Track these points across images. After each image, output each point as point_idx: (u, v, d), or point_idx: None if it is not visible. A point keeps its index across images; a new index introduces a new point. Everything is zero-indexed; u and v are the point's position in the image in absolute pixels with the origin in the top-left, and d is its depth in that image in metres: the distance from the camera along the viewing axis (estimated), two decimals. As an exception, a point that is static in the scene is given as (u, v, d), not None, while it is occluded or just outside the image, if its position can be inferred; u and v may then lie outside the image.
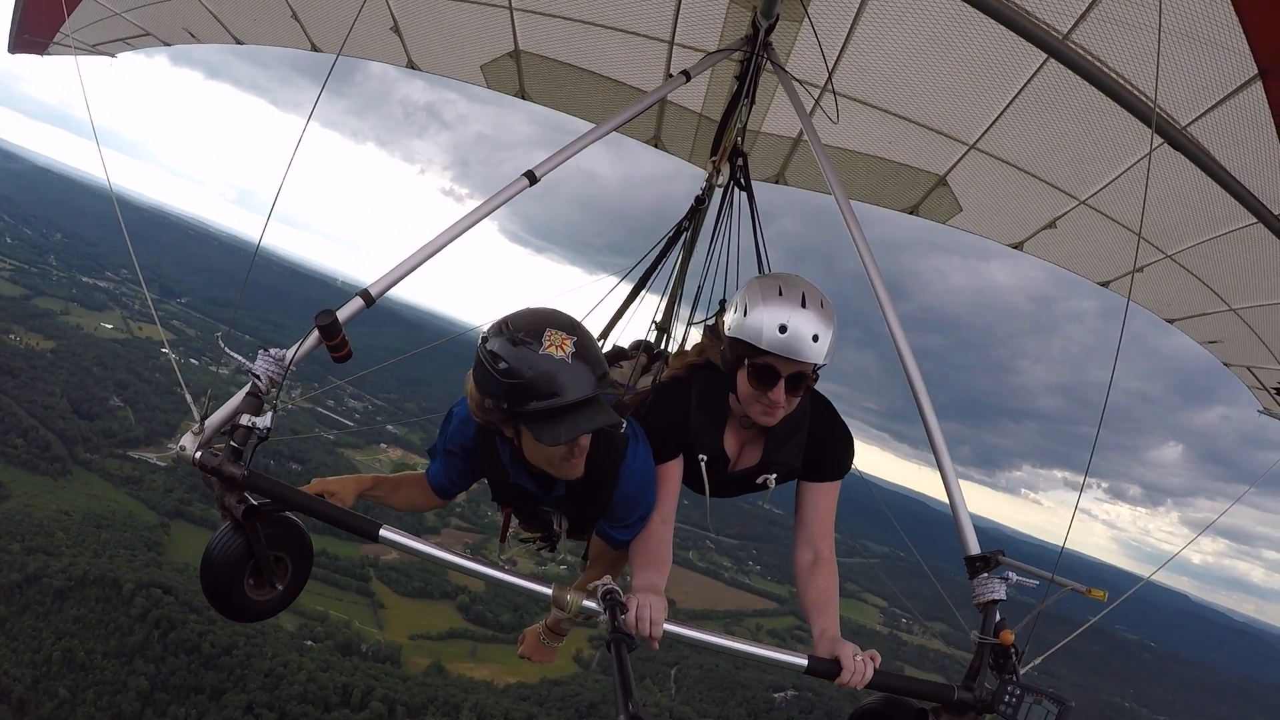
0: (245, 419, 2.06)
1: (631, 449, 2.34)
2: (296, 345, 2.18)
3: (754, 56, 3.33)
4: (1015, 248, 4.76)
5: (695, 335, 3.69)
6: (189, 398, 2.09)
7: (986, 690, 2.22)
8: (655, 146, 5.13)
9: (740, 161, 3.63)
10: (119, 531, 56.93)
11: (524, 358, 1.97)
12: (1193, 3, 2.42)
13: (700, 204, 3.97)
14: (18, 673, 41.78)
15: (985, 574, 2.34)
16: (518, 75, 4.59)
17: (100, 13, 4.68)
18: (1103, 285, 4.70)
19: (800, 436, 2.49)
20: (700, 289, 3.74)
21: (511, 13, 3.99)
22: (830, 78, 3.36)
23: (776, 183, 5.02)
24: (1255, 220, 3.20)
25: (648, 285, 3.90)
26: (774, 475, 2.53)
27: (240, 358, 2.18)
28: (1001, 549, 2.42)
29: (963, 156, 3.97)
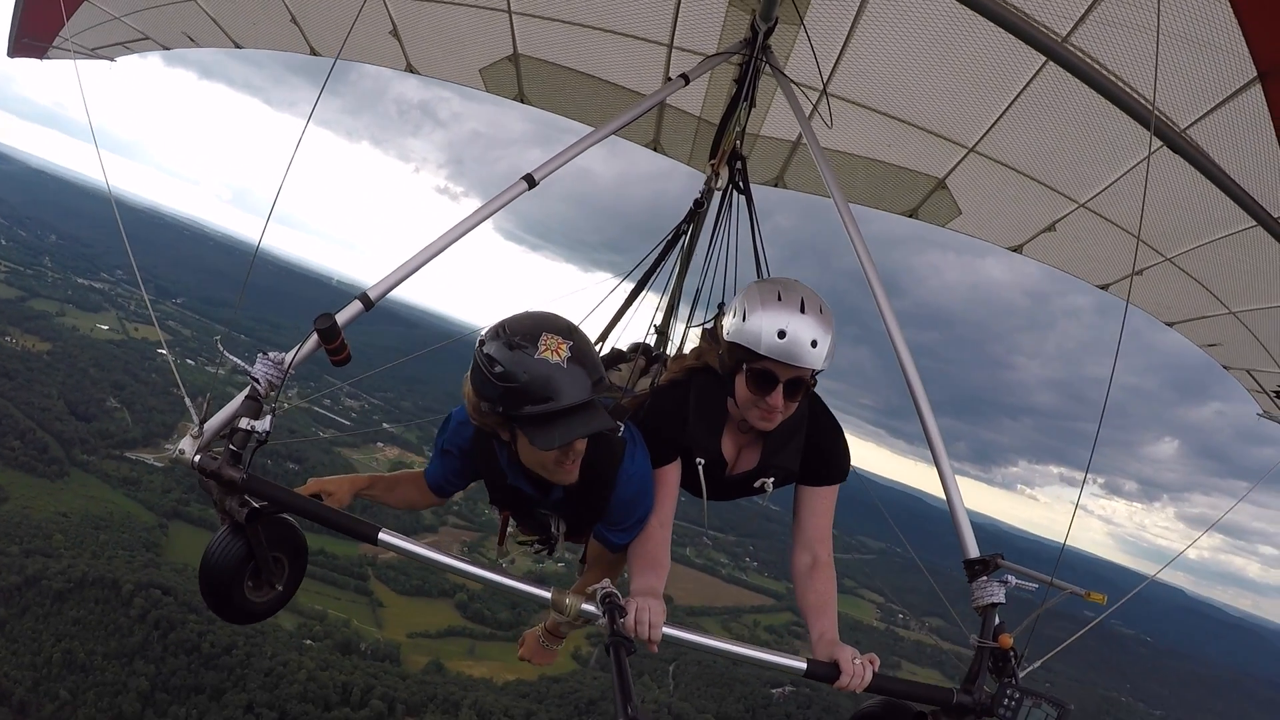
0: (244, 422, 2.06)
1: (629, 452, 2.35)
2: (295, 349, 2.18)
3: (753, 60, 3.33)
4: (1015, 250, 4.76)
5: (694, 338, 3.71)
6: (189, 402, 2.09)
7: (986, 693, 2.22)
8: (654, 150, 5.12)
9: (739, 165, 3.63)
10: (117, 533, 56.85)
11: (519, 362, 1.98)
12: (1191, 5, 2.42)
13: (699, 207, 3.97)
14: (18, 675, 41.70)
15: (984, 577, 2.35)
16: (517, 79, 4.59)
17: (99, 17, 4.66)
18: (1102, 288, 4.70)
19: (798, 441, 2.50)
20: (698, 292, 3.75)
21: (510, 16, 3.98)
22: (828, 81, 3.36)
23: (775, 186, 5.02)
24: (1254, 223, 3.20)
25: (646, 288, 3.90)
26: (771, 479, 2.53)
27: (240, 362, 2.17)
28: (1000, 552, 2.43)
29: (962, 159, 3.97)
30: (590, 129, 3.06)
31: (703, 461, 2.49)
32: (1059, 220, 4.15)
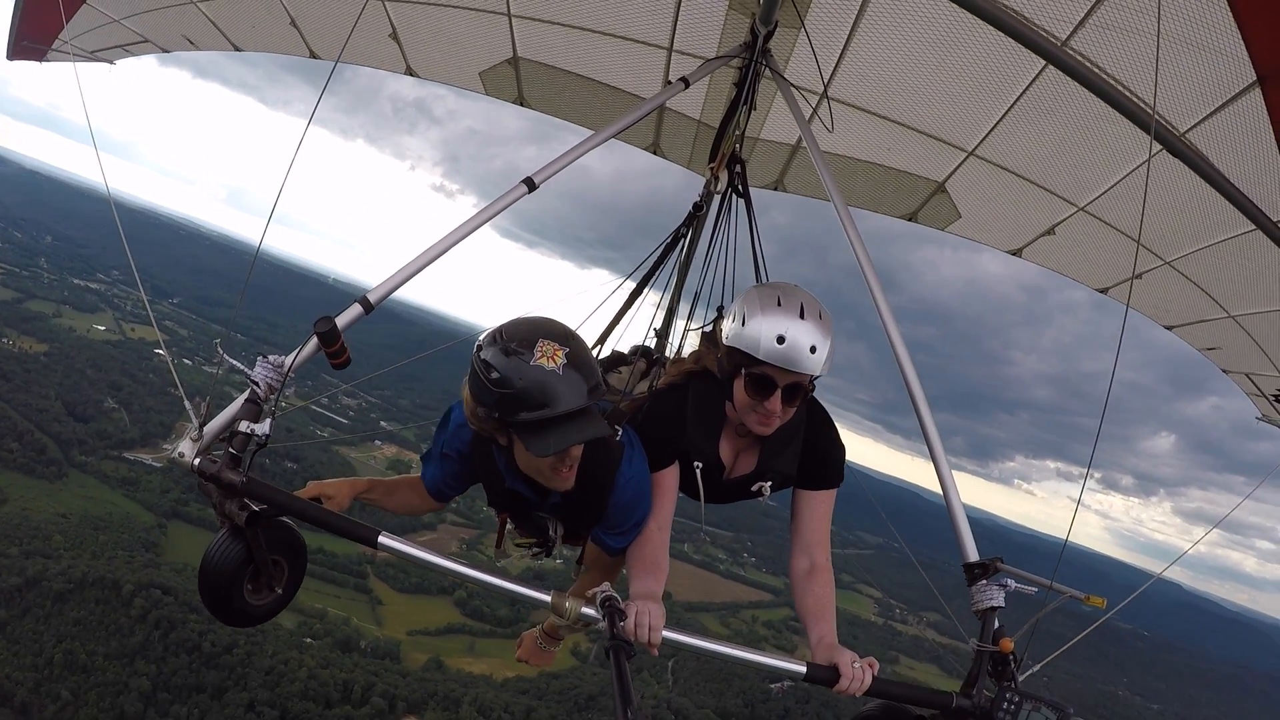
0: (244, 425, 2.05)
1: (627, 456, 2.35)
2: (295, 352, 2.18)
3: (753, 63, 3.32)
4: (1014, 254, 4.75)
5: (693, 341, 3.71)
6: (188, 404, 2.07)
7: (985, 697, 2.22)
8: (654, 153, 5.11)
9: (738, 168, 3.62)
10: (117, 533, 56.81)
11: (515, 368, 1.98)
12: (1191, 9, 2.42)
13: (698, 210, 3.97)
14: (20, 676, 41.69)
15: (984, 581, 2.35)
16: (516, 82, 4.57)
17: (99, 19, 4.64)
18: (1101, 292, 4.68)
19: (795, 445, 2.50)
20: (697, 295, 3.75)
21: (510, 20, 3.97)
22: (828, 85, 3.35)
23: (775, 189, 5.01)
24: (1254, 227, 3.20)
25: (646, 290, 3.90)
26: (769, 483, 2.54)
27: (240, 364, 2.16)
28: (1000, 556, 2.44)
29: (961, 163, 3.97)
30: (590, 132, 3.05)
31: (700, 465, 2.49)
32: (1058, 224, 4.14)
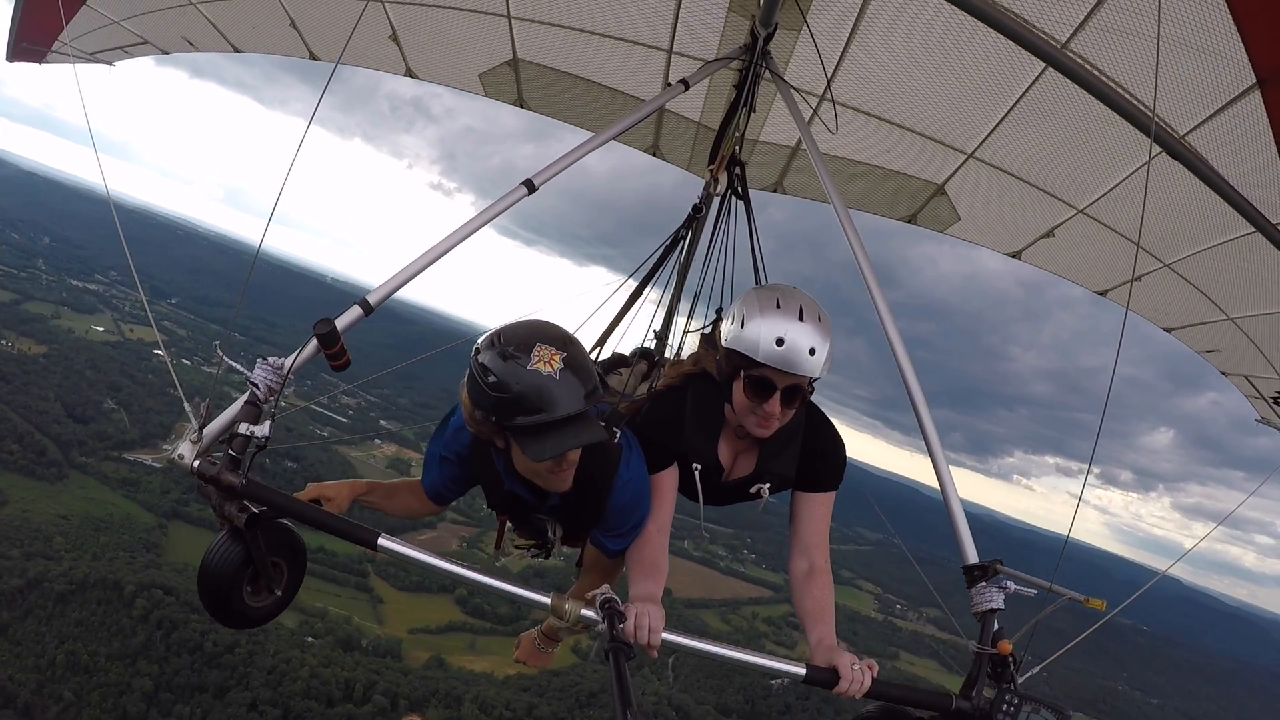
0: (244, 427, 2.05)
1: (625, 458, 2.35)
2: (295, 354, 2.17)
3: (752, 65, 3.32)
4: (1014, 256, 4.75)
5: (692, 343, 3.72)
6: (188, 406, 2.07)
7: (984, 699, 2.23)
8: (654, 155, 5.10)
9: (738, 170, 3.62)
10: (117, 534, 56.91)
11: (512, 372, 1.99)
12: (1191, 12, 2.42)
13: (698, 212, 3.97)
14: (22, 677, 41.77)
15: (983, 583, 2.35)
16: (516, 84, 4.57)
17: (99, 21, 4.62)
18: (1101, 294, 4.68)
19: (794, 447, 2.50)
20: (697, 297, 3.75)
21: (510, 22, 3.96)
22: (829, 86, 3.35)
23: (775, 191, 5.00)
24: (1253, 229, 3.19)
25: (646, 291, 3.90)
26: (767, 485, 2.54)
27: (240, 366, 2.16)
28: (1000, 558, 2.44)
29: (961, 165, 3.96)
30: (590, 134, 3.05)
31: (699, 467, 2.49)
32: (1058, 226, 4.13)
